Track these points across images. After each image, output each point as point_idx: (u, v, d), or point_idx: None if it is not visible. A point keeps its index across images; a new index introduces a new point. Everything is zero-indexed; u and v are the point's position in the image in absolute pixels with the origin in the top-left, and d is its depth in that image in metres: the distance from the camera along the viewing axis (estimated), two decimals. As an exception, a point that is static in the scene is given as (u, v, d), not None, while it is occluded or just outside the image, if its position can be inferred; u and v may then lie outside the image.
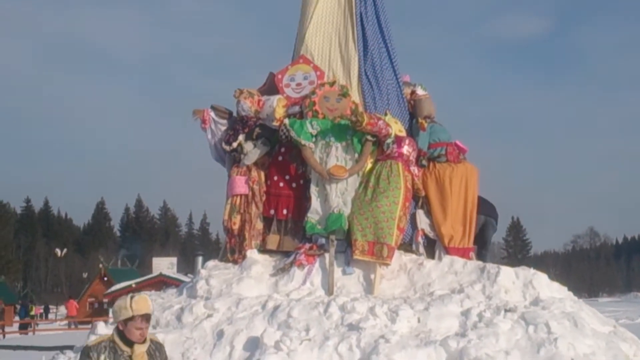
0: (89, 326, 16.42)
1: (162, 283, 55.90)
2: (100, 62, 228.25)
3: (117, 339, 6.65)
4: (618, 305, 72.52)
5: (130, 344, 6.65)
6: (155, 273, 65.55)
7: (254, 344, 10.14)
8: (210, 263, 12.44)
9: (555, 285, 11.71)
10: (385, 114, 12.42)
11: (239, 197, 12.32)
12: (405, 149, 12.09)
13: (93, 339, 6.67)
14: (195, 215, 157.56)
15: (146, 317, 6.73)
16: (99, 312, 62.66)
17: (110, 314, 6.17)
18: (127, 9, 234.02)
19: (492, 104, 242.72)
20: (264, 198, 12.33)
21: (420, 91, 13.12)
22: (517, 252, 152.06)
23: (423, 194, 12.42)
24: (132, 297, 6.64)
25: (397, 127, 12.26)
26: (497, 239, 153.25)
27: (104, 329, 11.27)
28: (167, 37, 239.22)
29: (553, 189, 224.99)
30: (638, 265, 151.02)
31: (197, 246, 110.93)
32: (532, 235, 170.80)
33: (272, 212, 12.32)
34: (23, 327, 52.36)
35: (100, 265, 75.74)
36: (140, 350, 6.70)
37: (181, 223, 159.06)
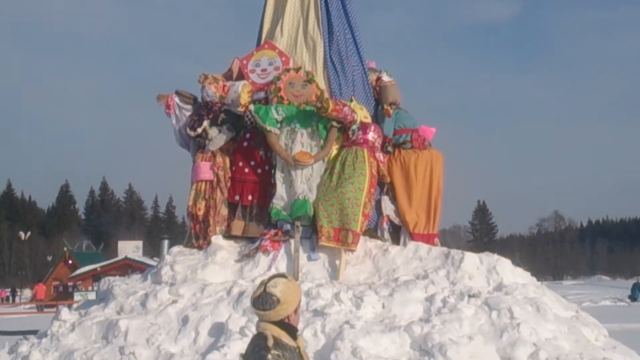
0: (54, 309, 16.32)
1: (127, 266, 55.80)
2: (64, 41, 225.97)
3: (283, 334, 5.47)
4: (582, 288, 73.28)
5: (294, 336, 5.61)
6: (120, 256, 65.28)
7: (219, 330, 10.16)
8: (175, 249, 12.40)
9: (519, 270, 11.83)
10: (351, 101, 12.43)
11: (203, 183, 12.29)
12: (371, 135, 12.11)
13: (270, 342, 5.36)
14: (161, 199, 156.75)
15: None
16: (64, 295, 62.27)
17: (262, 307, 5.11)
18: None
19: (459, 88, 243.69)
20: (229, 184, 12.31)
21: (385, 77, 13.13)
22: (483, 235, 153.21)
23: (388, 180, 12.46)
24: (289, 276, 5.74)
25: (362, 114, 12.28)
26: (464, 223, 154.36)
27: (67, 315, 11.25)
28: (131, 15, 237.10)
29: (519, 172, 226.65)
30: (602, 249, 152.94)
31: (163, 229, 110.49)
32: (498, 219, 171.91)
33: (237, 197, 12.30)
34: (-14, 311, 51.91)
35: (65, 249, 75.32)
36: (301, 340, 5.76)
37: (147, 206, 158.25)
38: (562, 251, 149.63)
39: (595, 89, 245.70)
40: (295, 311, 5.52)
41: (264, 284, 5.48)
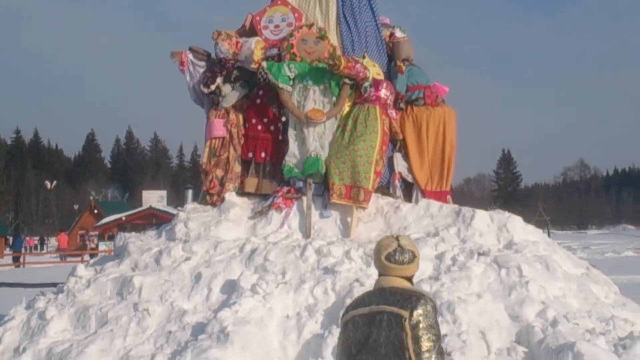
0: (79, 259, 16.53)
1: (151, 216, 56.23)
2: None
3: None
4: (606, 238, 73.15)
5: None
6: (145, 206, 65.69)
7: (231, 287, 10.29)
8: (189, 206, 12.52)
9: (530, 228, 11.85)
10: (363, 57, 12.39)
11: (217, 140, 12.36)
12: (383, 92, 12.09)
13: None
14: (186, 147, 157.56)
15: None
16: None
17: (401, 260, 5.03)
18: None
19: (482, 36, 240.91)
20: (242, 141, 12.36)
21: (399, 34, 13.05)
22: (507, 184, 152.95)
23: (401, 137, 12.46)
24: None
25: (374, 71, 12.25)
26: (488, 172, 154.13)
27: (83, 271, 11.42)
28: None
29: (544, 121, 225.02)
30: (627, 198, 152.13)
31: (188, 178, 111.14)
32: (523, 168, 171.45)
33: (250, 155, 12.36)
34: (15, 260, 52.53)
35: (91, 198, 75.89)
36: None
37: (172, 155, 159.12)
38: (587, 200, 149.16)
39: (623, 33, 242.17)
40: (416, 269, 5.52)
41: (395, 238, 5.46)
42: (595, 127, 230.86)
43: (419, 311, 5.04)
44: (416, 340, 5.01)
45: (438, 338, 5.09)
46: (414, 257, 5.35)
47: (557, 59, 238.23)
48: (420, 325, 5.02)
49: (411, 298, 5.12)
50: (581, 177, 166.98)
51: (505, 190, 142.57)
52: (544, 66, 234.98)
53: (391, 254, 5.34)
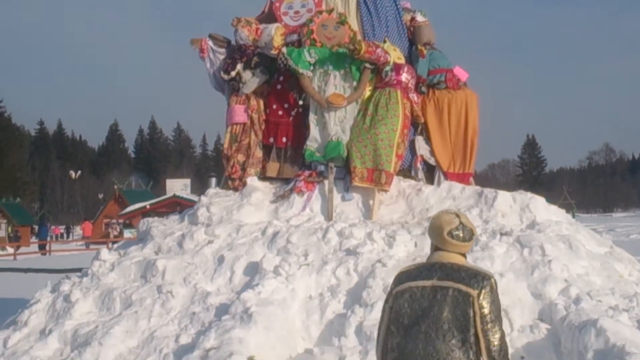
0: (103, 247, 16.68)
1: (175, 204, 56.37)
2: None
3: None
4: (632, 220, 72.73)
5: None
6: (169, 194, 65.95)
7: (253, 269, 10.39)
8: (211, 190, 12.60)
9: (553, 208, 11.84)
10: (384, 42, 12.38)
11: (238, 126, 12.43)
12: (404, 76, 12.10)
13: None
14: (209, 136, 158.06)
15: None
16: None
17: (464, 237, 5.05)
18: None
19: (506, 21, 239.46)
20: (263, 126, 12.43)
21: (419, 18, 13.03)
22: (532, 169, 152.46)
23: (422, 120, 12.48)
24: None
25: (395, 55, 12.25)
26: (513, 157, 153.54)
27: (107, 255, 11.55)
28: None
29: (568, 105, 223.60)
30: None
31: (211, 167, 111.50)
32: (547, 153, 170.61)
33: (271, 140, 12.43)
34: (41, 248, 53.05)
35: (115, 187, 76.31)
36: None
37: (195, 144, 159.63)
38: (612, 184, 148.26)
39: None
40: None
41: (456, 215, 5.50)
42: (620, 110, 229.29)
43: (487, 290, 5.17)
44: (483, 319, 5.13)
45: (501, 317, 5.24)
46: (472, 235, 5.44)
47: (581, 42, 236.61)
48: (488, 305, 5.14)
49: (477, 276, 5.22)
50: (606, 161, 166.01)
51: (529, 175, 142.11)
52: (568, 50, 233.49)
53: (453, 230, 5.38)
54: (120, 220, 65.14)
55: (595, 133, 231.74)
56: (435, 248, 5.47)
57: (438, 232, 5.43)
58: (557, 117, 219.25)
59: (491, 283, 5.20)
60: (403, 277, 5.44)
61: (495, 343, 5.12)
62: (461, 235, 5.37)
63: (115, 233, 62.12)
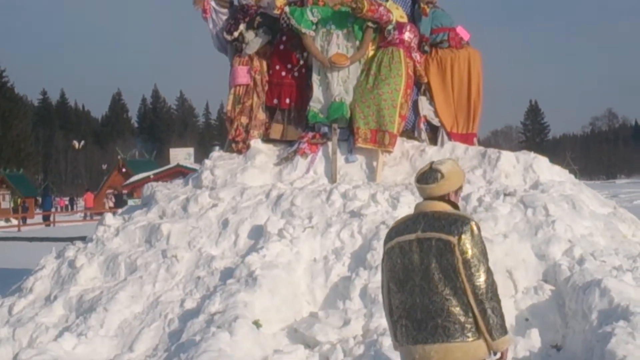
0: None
1: (179, 173, 56.18)
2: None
3: (449, 208, 5.41)
4: (635, 187, 72.85)
5: None
6: (172, 164, 65.95)
7: (258, 232, 10.37)
8: (215, 154, 12.57)
9: (556, 168, 11.80)
10: (386, 0, 12.28)
11: (241, 87, 12.35)
12: (407, 35, 12.00)
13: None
14: (212, 105, 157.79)
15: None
16: (119, 203, 63.44)
17: (426, 181, 5.04)
18: None
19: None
20: (266, 88, 12.34)
21: (422, -24, 12.91)
22: (535, 135, 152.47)
23: (425, 80, 12.39)
24: (456, 161, 5.72)
25: (398, 13, 12.15)
26: (516, 123, 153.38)
27: (111, 220, 11.52)
28: None
29: (571, 71, 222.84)
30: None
31: (214, 136, 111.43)
32: (550, 119, 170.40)
33: (275, 101, 12.34)
34: (45, 219, 53.14)
35: (119, 157, 76.32)
36: None
37: (198, 113, 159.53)
38: (615, 150, 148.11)
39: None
40: (456, 192, 5.50)
41: (431, 162, 5.51)
42: (623, 75, 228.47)
43: (466, 235, 5.12)
44: (466, 264, 5.10)
45: (486, 259, 5.18)
46: (440, 177, 5.33)
47: (583, 7, 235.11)
48: (470, 249, 5.11)
49: (456, 223, 5.17)
50: (609, 127, 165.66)
51: (533, 142, 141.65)
52: (571, 15, 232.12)
53: (421, 176, 5.44)
54: (125, 191, 65.11)
55: (598, 98, 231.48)
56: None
57: (414, 181, 5.51)
58: (559, 82, 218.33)
59: (470, 227, 5.15)
60: (392, 233, 5.47)
61: (482, 286, 5.07)
62: (424, 177, 5.38)
63: (111, 204, 61.96)
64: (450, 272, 5.12)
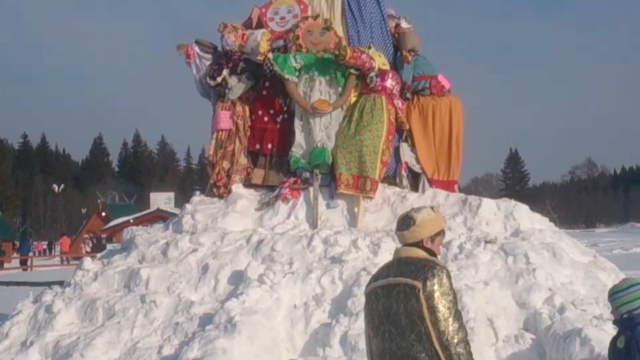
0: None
1: (159, 218, 56.06)
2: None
3: (424, 254, 5.45)
4: (615, 236, 72.85)
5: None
6: (152, 208, 65.76)
7: (238, 278, 10.30)
8: (196, 198, 12.53)
9: (537, 216, 11.83)
10: (369, 48, 12.40)
11: (223, 132, 12.38)
12: (389, 82, 12.10)
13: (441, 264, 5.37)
14: (194, 150, 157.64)
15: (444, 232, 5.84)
16: (97, 247, 62.99)
17: (400, 227, 5.52)
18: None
19: (488, 33, 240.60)
20: (248, 133, 12.38)
21: (404, 24, 13.08)
22: (515, 183, 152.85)
23: (407, 127, 12.47)
24: (435, 208, 5.75)
25: (380, 61, 12.26)
26: (496, 171, 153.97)
27: (90, 264, 11.42)
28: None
29: (551, 119, 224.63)
30: (636, 196, 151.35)
31: (195, 181, 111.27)
32: (530, 167, 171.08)
33: (257, 146, 12.37)
34: (23, 263, 52.67)
35: (98, 201, 76.00)
36: None
37: (179, 158, 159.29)
38: (595, 199, 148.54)
39: (627, 31, 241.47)
40: (432, 239, 5.49)
41: (411, 209, 5.61)
42: (602, 125, 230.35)
43: (432, 281, 5.13)
44: (432, 310, 5.10)
45: (454, 304, 5.16)
46: (412, 224, 5.42)
47: (563, 57, 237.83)
48: (435, 295, 5.11)
49: (424, 268, 5.20)
50: (589, 176, 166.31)
51: (513, 190, 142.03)
52: (551, 64, 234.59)
53: (398, 222, 5.54)
54: (104, 235, 64.74)
55: (578, 147, 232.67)
56: None
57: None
58: (539, 130, 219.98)
59: (437, 272, 5.16)
60: (372, 279, 5.56)
61: (447, 332, 5.06)
62: (400, 225, 5.50)
63: (88, 249, 61.54)
64: (415, 317, 5.12)
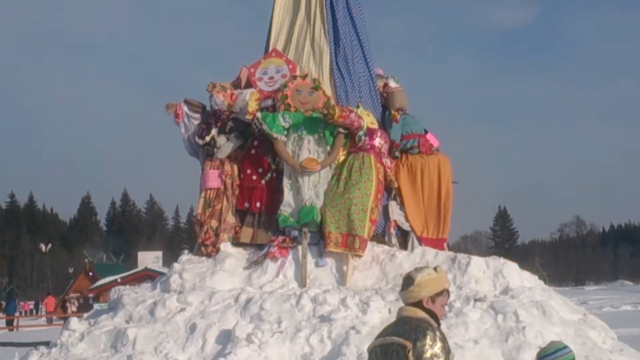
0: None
1: (147, 277, 55.75)
2: (85, 53, 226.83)
3: (424, 315, 5.47)
4: (604, 294, 72.79)
5: (437, 323, 5.57)
6: (140, 267, 65.42)
7: (226, 337, 10.21)
8: (184, 257, 12.49)
9: (526, 274, 11.83)
10: (357, 107, 12.49)
11: (212, 191, 12.39)
12: (377, 141, 12.17)
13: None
14: (182, 209, 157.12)
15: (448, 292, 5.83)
16: (84, 307, 62.51)
17: (400, 287, 5.61)
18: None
19: (478, 93, 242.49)
20: (236, 191, 12.39)
21: (392, 84, 13.21)
22: (504, 241, 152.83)
23: (396, 185, 12.51)
24: (438, 269, 5.73)
25: (369, 120, 12.34)
26: (485, 229, 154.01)
27: (77, 324, 11.33)
28: (154, 29, 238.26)
29: (539, 177, 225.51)
30: (624, 253, 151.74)
31: (183, 239, 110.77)
32: (519, 225, 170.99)
33: (246, 205, 12.37)
34: (9, 323, 52.13)
35: (86, 261, 75.62)
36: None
37: (168, 216, 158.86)
38: (584, 256, 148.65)
39: (615, 91, 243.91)
40: (433, 299, 5.49)
41: (414, 269, 5.66)
42: (590, 183, 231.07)
43: (422, 342, 5.16)
44: None
45: None
46: (411, 284, 5.48)
47: (551, 115, 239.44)
48: (424, 356, 5.13)
49: (417, 328, 5.25)
50: (577, 233, 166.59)
51: (502, 248, 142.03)
52: (539, 122, 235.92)
53: (401, 282, 5.61)
54: (91, 295, 64.29)
55: (566, 205, 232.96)
56: None
57: None
58: (528, 188, 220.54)
59: (428, 332, 5.19)
60: (376, 337, 5.60)
61: None
62: (402, 284, 5.56)
63: (73, 309, 61.10)
64: None
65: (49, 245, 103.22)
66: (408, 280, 5.52)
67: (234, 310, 10.68)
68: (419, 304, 5.46)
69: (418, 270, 5.60)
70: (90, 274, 71.72)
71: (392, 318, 9.90)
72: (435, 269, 5.66)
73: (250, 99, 12.41)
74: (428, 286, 5.49)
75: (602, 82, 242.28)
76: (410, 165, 12.65)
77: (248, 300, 10.79)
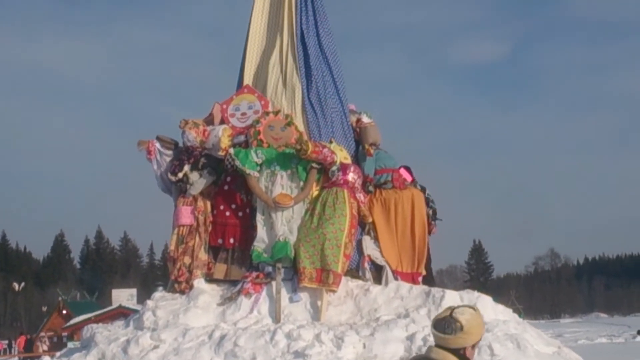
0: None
1: (121, 315, 55.35)
2: (57, 89, 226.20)
3: None
4: (579, 326, 73.13)
5: None
6: (114, 305, 65.01)
7: (200, 375, 10.14)
8: (157, 294, 12.40)
9: (500, 307, 11.86)
10: (330, 142, 12.51)
11: (185, 228, 12.35)
12: (351, 176, 12.19)
13: None
14: (157, 245, 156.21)
15: None
16: (58, 346, 61.80)
17: (443, 330, 4.85)
18: (86, 38, 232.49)
19: (451, 127, 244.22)
20: (209, 228, 12.35)
21: (365, 119, 13.26)
22: (479, 275, 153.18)
23: (370, 220, 12.53)
24: (476, 308, 5.25)
25: (342, 155, 12.36)
26: (460, 263, 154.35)
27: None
28: (125, 67, 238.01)
29: (513, 211, 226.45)
30: (599, 286, 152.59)
31: (158, 276, 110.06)
32: (494, 258, 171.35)
33: (219, 241, 12.33)
34: (-19, 364, 51.63)
35: (59, 299, 74.98)
36: None
37: (142, 253, 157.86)
38: (559, 289, 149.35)
39: (588, 126, 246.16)
40: (474, 346, 5.06)
41: (452, 309, 5.09)
42: (564, 216, 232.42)
43: None
44: None
45: None
46: (460, 330, 4.97)
47: (525, 151, 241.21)
48: None
49: None
50: (552, 266, 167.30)
51: (477, 281, 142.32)
52: (513, 156, 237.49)
53: (438, 322, 5.07)
54: (65, 333, 63.70)
55: (541, 238, 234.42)
56: None
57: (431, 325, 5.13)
58: (502, 222, 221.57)
59: None
60: None
61: None
62: (442, 327, 4.99)
63: (45, 348, 60.34)
64: None
65: (22, 284, 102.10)
66: (454, 324, 4.97)
67: (208, 347, 10.61)
68: (458, 351, 4.99)
69: (462, 312, 5.05)
70: (64, 312, 71.12)
71: (367, 353, 10.01)
72: (474, 309, 5.17)
73: (222, 135, 12.40)
74: (475, 332, 5.05)
75: (575, 116, 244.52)
76: (384, 199, 12.67)
77: (222, 337, 10.72)
